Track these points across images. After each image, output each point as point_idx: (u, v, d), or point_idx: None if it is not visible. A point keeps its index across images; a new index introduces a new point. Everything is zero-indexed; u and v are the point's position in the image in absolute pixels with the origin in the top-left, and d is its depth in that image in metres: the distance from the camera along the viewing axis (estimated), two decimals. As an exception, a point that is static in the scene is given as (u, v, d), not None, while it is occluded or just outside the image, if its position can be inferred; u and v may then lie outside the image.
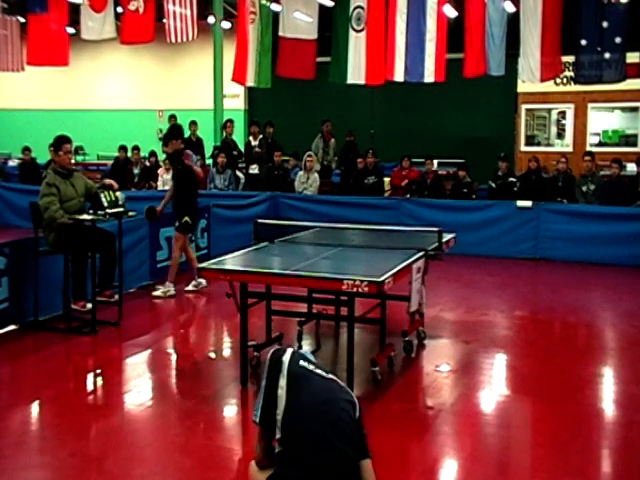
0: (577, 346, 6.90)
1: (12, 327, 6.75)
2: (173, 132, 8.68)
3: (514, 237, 10.69)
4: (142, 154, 14.71)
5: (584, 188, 10.99)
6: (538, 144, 14.87)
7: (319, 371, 2.73)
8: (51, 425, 4.89)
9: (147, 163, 14.29)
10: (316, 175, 12.35)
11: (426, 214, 10.87)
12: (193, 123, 13.98)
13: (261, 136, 13.71)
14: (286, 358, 2.72)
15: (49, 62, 14.34)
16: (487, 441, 4.71)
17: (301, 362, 2.73)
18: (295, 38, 12.73)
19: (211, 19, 15.01)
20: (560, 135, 14.74)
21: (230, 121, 13.82)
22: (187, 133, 14.41)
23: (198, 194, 8.73)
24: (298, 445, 2.61)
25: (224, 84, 15.50)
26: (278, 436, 2.63)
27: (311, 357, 2.83)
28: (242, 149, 14.01)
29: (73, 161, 7.69)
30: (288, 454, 2.60)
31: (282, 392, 2.65)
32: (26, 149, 15.16)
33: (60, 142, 6.91)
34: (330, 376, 2.73)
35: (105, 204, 6.78)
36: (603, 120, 14.40)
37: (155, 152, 14.49)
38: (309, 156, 12.43)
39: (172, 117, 14.61)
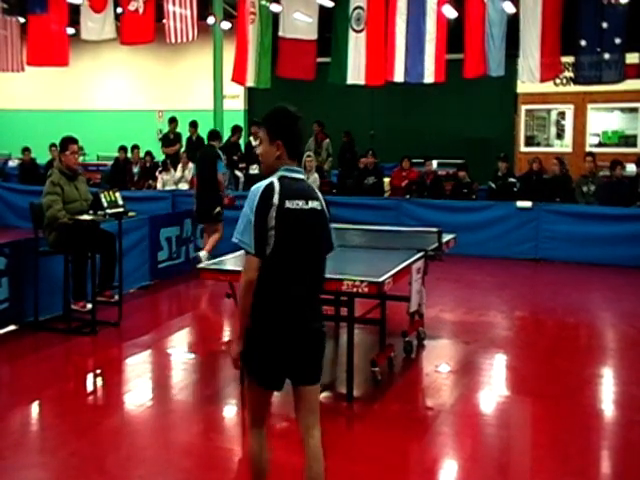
0: (577, 346, 6.90)
1: (12, 327, 6.76)
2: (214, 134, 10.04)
3: (514, 238, 10.69)
4: (141, 154, 14.70)
5: (584, 189, 10.99)
6: (538, 145, 14.86)
7: (302, 204, 3.17)
8: (51, 425, 4.90)
9: (147, 164, 14.28)
10: (316, 175, 12.34)
11: (426, 214, 10.87)
12: (192, 124, 14.02)
13: (261, 136, 13.69)
14: (275, 201, 3.10)
15: (49, 62, 14.33)
16: (487, 442, 4.72)
17: (287, 204, 3.12)
18: (295, 38, 12.73)
19: (211, 19, 14.99)
20: (560, 136, 14.73)
21: (240, 129, 13.87)
22: (187, 134, 14.48)
23: None
24: (287, 258, 3.14)
25: (224, 84, 15.46)
26: (267, 252, 3.11)
27: (297, 191, 3.20)
28: (243, 152, 14.02)
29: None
30: (276, 269, 3.13)
31: (272, 225, 3.10)
32: (26, 149, 15.16)
33: (66, 142, 6.91)
34: (310, 206, 3.20)
35: (105, 204, 6.79)
36: (603, 121, 14.40)
37: (151, 152, 14.48)
38: (308, 156, 12.41)
39: (172, 119, 14.61)
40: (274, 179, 3.19)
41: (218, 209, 9.17)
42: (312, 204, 3.23)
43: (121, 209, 6.94)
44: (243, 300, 3.15)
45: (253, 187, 3.20)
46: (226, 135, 14.03)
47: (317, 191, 3.33)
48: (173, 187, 13.21)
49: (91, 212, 6.79)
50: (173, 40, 13.01)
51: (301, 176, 3.28)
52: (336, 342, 6.61)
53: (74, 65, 15.70)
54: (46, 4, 13.59)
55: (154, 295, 8.61)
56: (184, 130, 14.35)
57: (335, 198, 12.21)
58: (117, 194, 7.00)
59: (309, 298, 3.23)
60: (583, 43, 11.19)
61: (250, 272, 3.12)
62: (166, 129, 15.33)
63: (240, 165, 13.60)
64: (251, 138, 13.81)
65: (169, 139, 14.56)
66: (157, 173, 13.64)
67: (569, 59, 12.11)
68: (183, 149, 14.09)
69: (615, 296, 8.68)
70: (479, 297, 8.64)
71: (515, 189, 11.38)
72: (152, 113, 20.11)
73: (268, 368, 3.19)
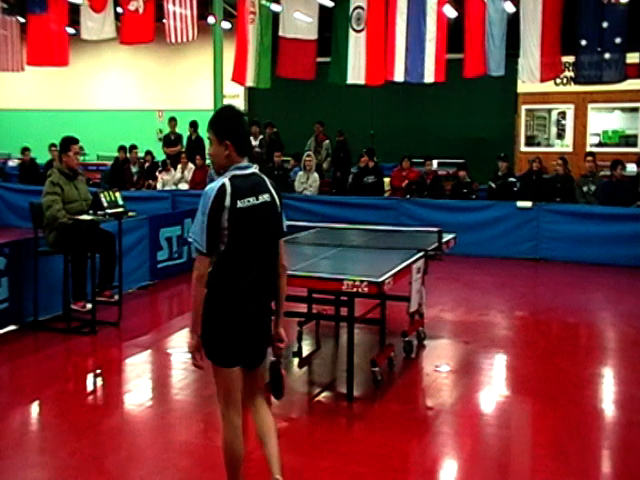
0: (577, 346, 6.89)
1: (12, 327, 6.75)
2: None
3: (514, 237, 10.69)
4: (140, 154, 14.71)
5: (585, 188, 10.98)
6: (538, 144, 14.87)
7: (254, 200, 3.34)
8: (51, 425, 4.90)
9: (147, 163, 14.28)
10: (316, 175, 12.36)
11: (426, 214, 10.87)
12: (192, 125, 14.03)
13: (261, 136, 13.71)
14: (227, 203, 3.25)
15: (49, 62, 14.34)
16: (487, 441, 4.71)
17: (241, 203, 3.28)
18: (295, 38, 12.73)
19: (211, 19, 14.98)
20: (560, 135, 14.74)
21: None
22: (187, 134, 14.48)
23: None
24: (240, 252, 3.33)
25: (224, 84, 15.47)
26: (222, 249, 3.29)
27: (247, 189, 3.34)
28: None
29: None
30: (230, 262, 3.32)
31: (225, 226, 3.26)
32: (25, 149, 15.15)
33: (68, 143, 6.89)
34: (260, 200, 3.36)
35: (105, 204, 6.78)
36: (603, 120, 14.41)
37: (151, 152, 14.48)
38: (308, 156, 12.44)
39: (172, 119, 14.62)
40: (225, 180, 3.32)
41: None
42: (262, 198, 3.39)
43: (121, 209, 6.93)
44: (195, 295, 3.31)
45: (206, 188, 3.33)
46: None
47: (268, 183, 3.48)
48: (173, 187, 13.22)
49: (91, 212, 6.79)
50: (173, 40, 13.02)
51: (251, 170, 3.43)
52: (336, 342, 6.62)
53: (74, 65, 15.71)
54: (46, 4, 13.61)
55: (154, 295, 8.61)
56: (184, 130, 14.35)
57: (335, 198, 12.25)
58: (117, 194, 6.99)
59: (260, 290, 3.41)
60: (583, 43, 11.18)
61: (201, 269, 3.30)
62: (166, 129, 15.34)
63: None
64: (251, 138, 13.82)
65: (170, 139, 14.57)
66: (157, 173, 13.65)
67: (569, 59, 12.11)
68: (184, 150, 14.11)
69: (615, 296, 8.68)
70: (479, 297, 8.63)
71: (515, 189, 11.37)
72: (152, 113, 20.11)
73: (228, 347, 3.36)
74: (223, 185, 3.28)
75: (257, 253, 3.38)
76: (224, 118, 3.45)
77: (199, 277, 3.30)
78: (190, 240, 3.38)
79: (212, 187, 3.30)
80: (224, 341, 3.35)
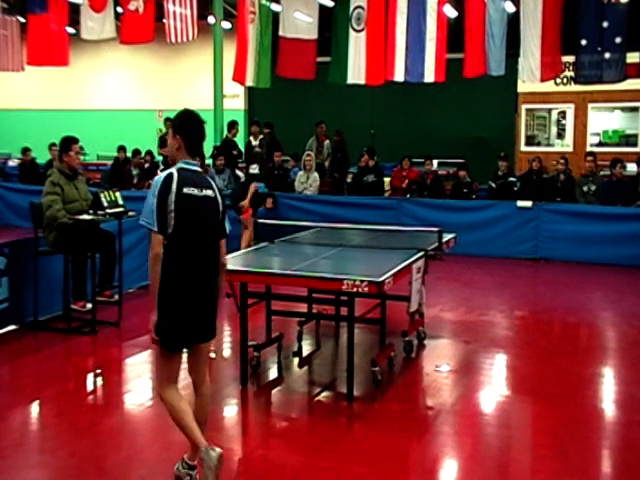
0: (577, 346, 6.89)
1: (12, 327, 6.75)
2: None
3: (514, 237, 10.68)
4: (141, 157, 14.70)
5: (585, 188, 10.98)
6: (538, 144, 14.87)
7: (196, 192, 3.72)
8: (51, 425, 4.89)
9: (146, 164, 14.27)
10: (316, 175, 12.35)
11: (426, 214, 10.86)
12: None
13: (261, 136, 13.70)
14: (174, 187, 3.64)
15: (49, 62, 14.33)
16: (487, 441, 4.71)
17: (186, 190, 3.68)
18: (295, 38, 12.73)
19: (211, 19, 15.00)
20: (560, 135, 14.73)
21: (236, 123, 13.81)
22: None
23: None
24: (185, 237, 3.68)
25: (224, 84, 15.48)
26: (169, 231, 3.65)
27: (191, 177, 3.75)
28: (242, 149, 14.01)
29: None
30: (177, 247, 3.67)
31: (172, 209, 3.63)
32: (26, 150, 15.14)
33: (69, 142, 6.89)
34: (203, 193, 3.75)
35: (105, 204, 6.78)
36: (603, 120, 14.40)
37: (151, 152, 14.47)
38: (307, 155, 12.43)
39: (168, 120, 14.58)
40: (173, 170, 3.74)
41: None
42: (205, 192, 3.78)
43: (121, 209, 6.94)
44: (152, 272, 3.65)
45: (156, 177, 3.76)
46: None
47: (212, 182, 3.89)
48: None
49: (91, 212, 6.79)
50: (173, 40, 13.01)
51: (197, 169, 3.84)
52: (336, 342, 6.62)
53: (74, 65, 15.70)
54: (46, 4, 13.60)
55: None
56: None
57: (335, 198, 12.25)
58: (117, 194, 7.00)
59: (205, 274, 3.75)
60: (584, 42, 11.18)
61: (156, 247, 3.64)
62: (163, 131, 15.31)
63: (240, 164, 13.59)
64: (251, 137, 13.81)
65: (166, 140, 14.52)
66: (159, 172, 13.61)
67: (570, 58, 12.11)
68: None
69: (615, 296, 8.67)
70: (479, 296, 8.63)
71: (515, 189, 11.37)
72: (152, 113, 20.10)
73: (176, 333, 3.70)
74: (171, 174, 3.71)
75: (201, 238, 3.75)
76: (183, 117, 3.88)
77: (155, 255, 3.63)
78: (142, 224, 3.67)
79: (161, 175, 3.73)
80: (173, 325, 3.68)
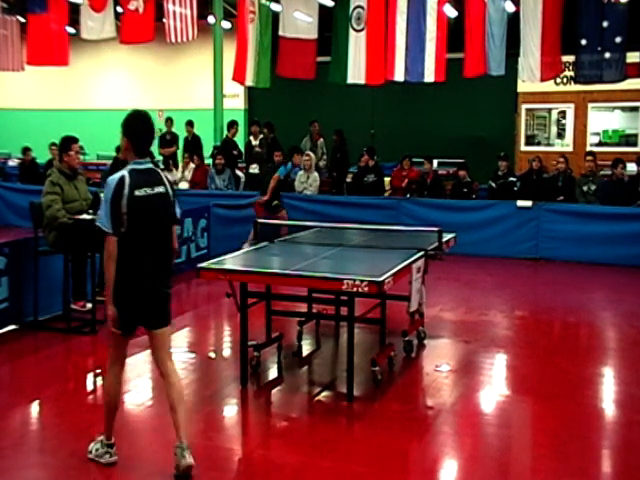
0: (577, 346, 6.90)
1: (12, 327, 6.75)
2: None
3: (514, 237, 10.68)
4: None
5: (585, 188, 10.98)
6: (538, 144, 14.87)
7: (149, 191, 3.96)
8: (51, 425, 4.90)
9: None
10: (316, 174, 12.36)
11: (426, 214, 10.86)
12: (188, 124, 14.05)
13: (261, 136, 13.71)
14: (126, 191, 3.87)
15: (49, 62, 14.34)
16: (487, 441, 4.72)
17: (137, 192, 3.90)
18: (295, 38, 12.73)
19: (211, 19, 15.00)
20: (560, 135, 14.73)
21: (235, 123, 13.82)
22: (184, 134, 14.49)
23: None
24: (137, 235, 3.94)
25: (224, 84, 15.47)
26: (122, 230, 3.89)
27: (141, 178, 3.96)
28: (242, 149, 14.02)
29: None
30: (130, 244, 3.93)
31: (124, 211, 3.87)
32: (27, 149, 15.13)
33: (69, 142, 6.89)
34: (155, 191, 3.99)
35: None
36: (603, 120, 14.40)
37: (152, 151, 14.47)
38: (307, 155, 12.44)
39: (168, 119, 14.61)
40: (125, 172, 3.92)
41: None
42: (157, 189, 4.02)
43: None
44: (107, 269, 3.93)
45: (109, 179, 3.92)
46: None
47: (163, 176, 4.13)
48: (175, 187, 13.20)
49: (91, 212, 6.79)
50: (173, 39, 13.01)
51: (148, 166, 4.05)
52: (336, 341, 6.62)
53: (74, 65, 15.71)
54: (46, 3, 13.61)
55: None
56: (181, 129, 14.35)
57: (335, 198, 12.25)
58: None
59: (157, 266, 4.03)
60: (584, 42, 11.18)
61: (110, 247, 3.90)
62: (163, 130, 15.33)
63: (240, 165, 13.61)
64: (251, 137, 13.81)
65: (166, 140, 14.55)
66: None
67: (570, 58, 12.11)
68: (180, 151, 14.09)
69: (615, 296, 8.67)
70: (479, 296, 8.63)
71: (515, 188, 11.37)
72: (152, 112, 19.97)
73: (126, 319, 4.01)
74: (122, 177, 3.90)
75: (153, 236, 4.01)
76: (131, 119, 4.04)
77: (110, 254, 3.90)
78: (98, 225, 3.94)
79: (113, 178, 3.90)
80: (122, 312, 3.98)
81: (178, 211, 4.24)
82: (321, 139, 14.08)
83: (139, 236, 3.94)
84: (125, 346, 4.20)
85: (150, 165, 4.08)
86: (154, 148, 15.54)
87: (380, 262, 5.52)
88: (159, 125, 19.24)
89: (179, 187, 13.14)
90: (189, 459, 3.90)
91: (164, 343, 4.19)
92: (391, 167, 13.73)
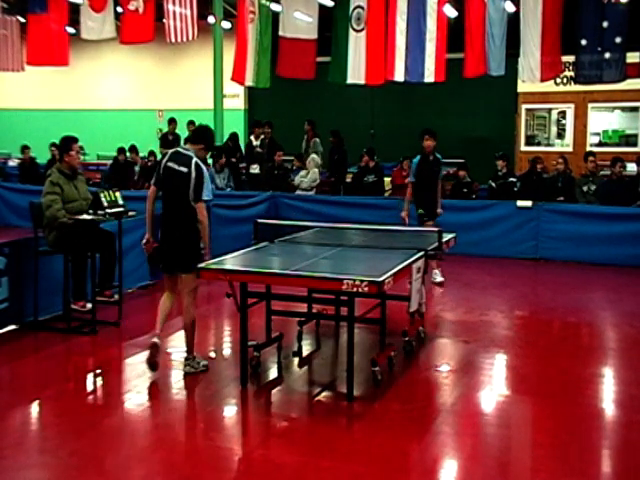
0: (577, 346, 6.89)
1: (12, 327, 6.75)
2: None
3: (514, 237, 10.68)
4: (141, 154, 14.70)
5: (585, 188, 10.98)
6: (538, 144, 14.87)
7: (175, 166, 5.57)
8: (51, 425, 4.90)
9: (149, 163, 14.27)
10: (316, 170, 12.52)
11: (426, 214, 10.83)
12: (190, 123, 14.04)
13: (262, 136, 13.71)
14: (164, 160, 5.66)
15: (49, 62, 14.33)
16: (487, 441, 4.71)
17: (169, 163, 5.61)
18: (295, 38, 12.73)
19: (211, 19, 14.99)
20: (560, 135, 14.74)
21: (235, 135, 13.98)
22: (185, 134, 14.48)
23: None
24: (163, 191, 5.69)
25: (224, 84, 15.47)
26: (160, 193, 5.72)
27: (177, 157, 5.66)
28: (242, 149, 14.03)
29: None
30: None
31: (160, 173, 5.66)
32: (25, 148, 15.09)
33: (69, 142, 6.88)
34: (181, 169, 5.54)
35: (105, 204, 6.78)
36: (603, 120, 14.40)
37: (154, 152, 14.48)
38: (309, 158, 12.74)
39: (172, 120, 14.61)
40: (169, 152, 5.75)
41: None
42: (181, 168, 5.53)
43: (121, 209, 6.94)
44: (147, 208, 5.74)
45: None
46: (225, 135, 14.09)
47: (193, 163, 5.51)
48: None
49: (91, 212, 6.79)
50: (173, 39, 13.01)
51: (188, 153, 5.63)
52: (336, 342, 6.62)
53: (74, 65, 15.70)
54: (46, 4, 13.61)
55: (154, 295, 8.57)
56: (181, 129, 14.35)
57: (335, 198, 12.25)
58: (117, 194, 6.99)
59: (173, 219, 5.59)
60: (584, 42, 11.18)
61: (149, 192, 5.78)
62: (166, 129, 15.33)
63: (240, 165, 13.59)
64: (252, 137, 13.81)
65: (168, 140, 14.54)
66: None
67: (570, 58, 12.11)
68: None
69: (615, 296, 8.67)
70: (479, 296, 8.63)
71: (515, 189, 11.37)
72: (152, 113, 20.11)
73: (159, 260, 5.72)
74: (164, 155, 5.75)
75: (173, 196, 5.57)
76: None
77: (148, 197, 5.76)
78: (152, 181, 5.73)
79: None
80: (158, 255, 5.71)
81: (205, 193, 5.50)
82: (316, 139, 14.02)
83: (165, 193, 5.61)
84: (167, 279, 5.87)
85: (190, 153, 5.60)
86: (155, 148, 15.51)
87: (380, 262, 5.52)
88: (159, 125, 19.34)
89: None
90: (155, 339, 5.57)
91: (182, 285, 5.66)
92: (391, 167, 13.72)
